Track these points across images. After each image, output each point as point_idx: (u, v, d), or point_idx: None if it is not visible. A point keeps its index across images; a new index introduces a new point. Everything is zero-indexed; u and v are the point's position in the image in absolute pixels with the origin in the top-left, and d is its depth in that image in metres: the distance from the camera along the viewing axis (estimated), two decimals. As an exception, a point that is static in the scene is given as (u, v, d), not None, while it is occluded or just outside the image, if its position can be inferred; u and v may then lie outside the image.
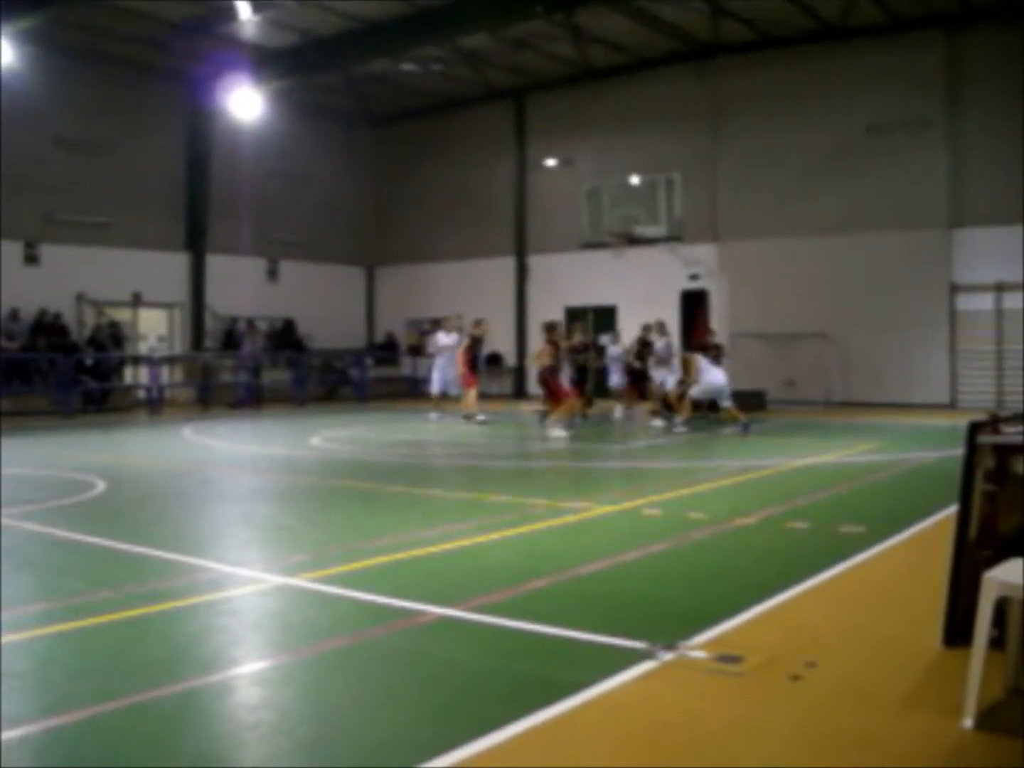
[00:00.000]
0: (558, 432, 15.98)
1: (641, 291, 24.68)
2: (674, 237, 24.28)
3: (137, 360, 24.62)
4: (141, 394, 23.97)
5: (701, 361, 17.06)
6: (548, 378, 16.85)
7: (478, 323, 19.39)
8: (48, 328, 22.64)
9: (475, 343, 19.24)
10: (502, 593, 5.90)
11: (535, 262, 27.94)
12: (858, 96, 22.39)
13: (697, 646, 4.77)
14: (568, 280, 26.94)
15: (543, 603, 5.70)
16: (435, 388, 19.93)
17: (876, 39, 22.09)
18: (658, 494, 9.96)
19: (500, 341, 26.95)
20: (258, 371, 25.90)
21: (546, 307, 26.70)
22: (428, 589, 5.97)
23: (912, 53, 21.79)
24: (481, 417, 18.41)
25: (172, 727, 3.84)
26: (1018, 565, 4.02)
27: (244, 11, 20.17)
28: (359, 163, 30.72)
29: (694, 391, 17.05)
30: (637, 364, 19.55)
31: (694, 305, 24.68)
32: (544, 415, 17.57)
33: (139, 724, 3.86)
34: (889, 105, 22.14)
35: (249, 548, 7.66)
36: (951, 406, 21.39)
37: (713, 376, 16.81)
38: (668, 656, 4.61)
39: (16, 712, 3.96)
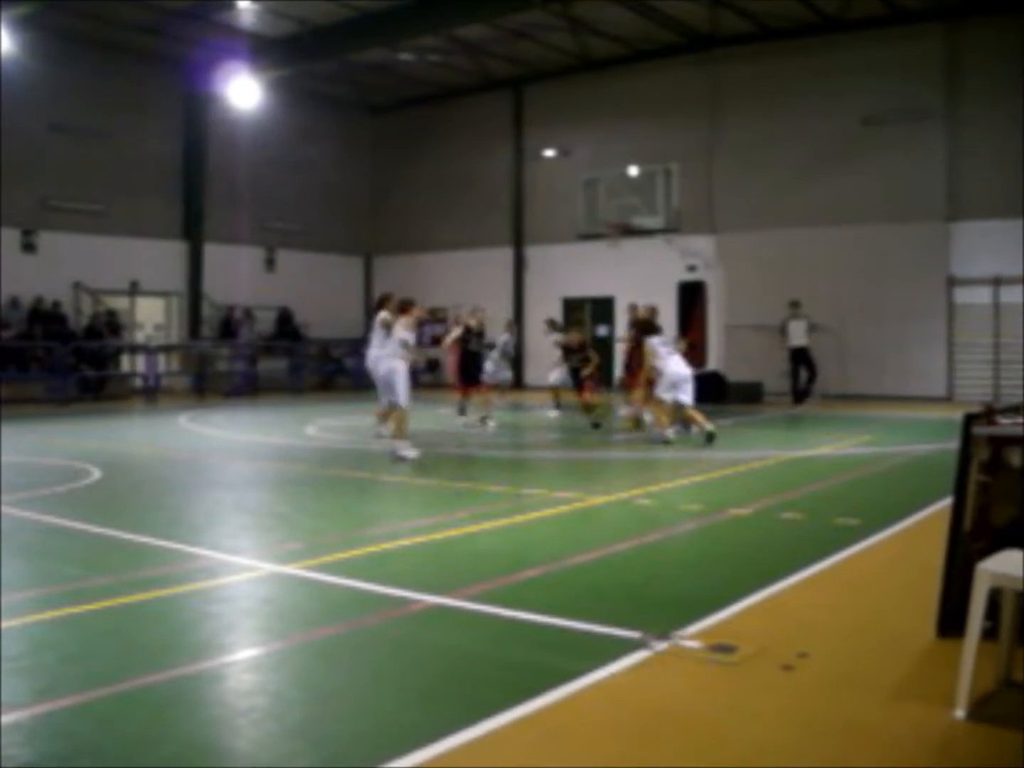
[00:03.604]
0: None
1: (638, 282, 24.57)
2: (671, 228, 24.25)
3: (134, 348, 24.57)
4: (137, 382, 23.93)
5: (659, 348, 13.65)
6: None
7: (473, 312, 16.84)
8: (45, 316, 22.59)
9: (468, 334, 16.48)
10: (495, 582, 5.90)
11: (533, 253, 27.86)
12: (856, 88, 22.28)
13: (691, 636, 4.77)
14: (566, 271, 26.85)
15: (536, 592, 5.70)
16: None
17: (875, 31, 21.96)
18: (652, 485, 9.97)
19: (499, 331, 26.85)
20: (255, 360, 25.88)
21: (544, 298, 26.69)
22: (421, 577, 5.98)
23: (911, 45, 21.68)
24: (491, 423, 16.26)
25: (165, 712, 3.84)
26: (1012, 556, 4.02)
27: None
28: (357, 152, 30.64)
29: (661, 389, 13.57)
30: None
31: (691, 296, 24.68)
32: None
33: (132, 709, 3.87)
34: (887, 97, 22.04)
35: (243, 536, 7.66)
36: (948, 399, 21.38)
37: (671, 365, 13.52)
38: (662, 645, 4.62)
39: (9, 697, 3.97)
